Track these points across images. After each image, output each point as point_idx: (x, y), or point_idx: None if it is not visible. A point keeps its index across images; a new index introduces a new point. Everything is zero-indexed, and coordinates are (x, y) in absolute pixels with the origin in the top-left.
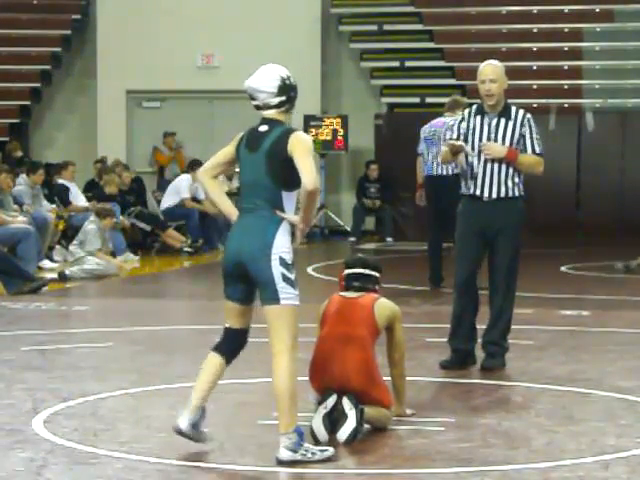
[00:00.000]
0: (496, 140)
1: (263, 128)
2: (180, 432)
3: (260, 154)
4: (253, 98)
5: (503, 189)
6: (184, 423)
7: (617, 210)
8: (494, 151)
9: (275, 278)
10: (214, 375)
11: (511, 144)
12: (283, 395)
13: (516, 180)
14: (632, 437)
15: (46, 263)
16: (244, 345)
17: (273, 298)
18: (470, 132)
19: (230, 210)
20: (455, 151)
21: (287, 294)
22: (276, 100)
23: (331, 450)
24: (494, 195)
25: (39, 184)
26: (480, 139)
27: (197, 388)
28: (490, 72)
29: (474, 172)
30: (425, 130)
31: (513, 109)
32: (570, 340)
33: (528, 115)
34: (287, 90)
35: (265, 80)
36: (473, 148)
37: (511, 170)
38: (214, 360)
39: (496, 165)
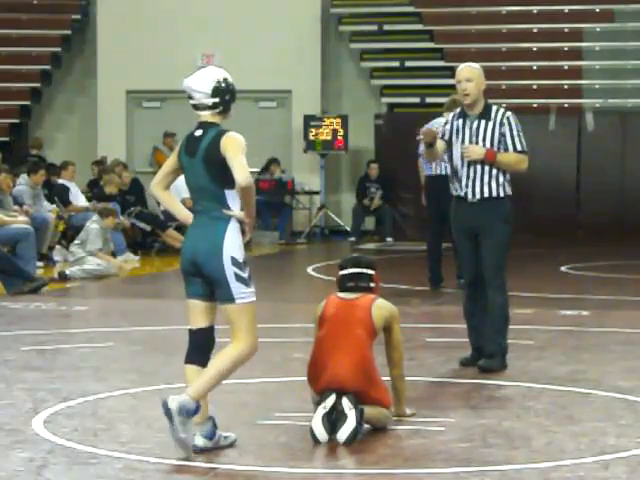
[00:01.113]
0: (477, 142)
1: (198, 133)
2: (200, 450)
3: (198, 158)
4: (190, 97)
5: (486, 190)
6: (199, 441)
7: (617, 210)
8: (473, 153)
9: (228, 278)
10: (195, 375)
11: (492, 145)
12: (210, 371)
13: (501, 180)
14: (632, 437)
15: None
16: (213, 344)
17: (228, 298)
18: (453, 135)
19: (185, 216)
20: (428, 141)
21: (241, 293)
22: (210, 101)
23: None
24: (478, 196)
25: (40, 184)
26: (463, 142)
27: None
28: (466, 72)
29: (459, 174)
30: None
31: (493, 109)
32: (570, 340)
33: (508, 114)
34: (222, 92)
35: (201, 81)
36: (457, 150)
37: (495, 171)
38: (192, 371)
39: (479, 166)
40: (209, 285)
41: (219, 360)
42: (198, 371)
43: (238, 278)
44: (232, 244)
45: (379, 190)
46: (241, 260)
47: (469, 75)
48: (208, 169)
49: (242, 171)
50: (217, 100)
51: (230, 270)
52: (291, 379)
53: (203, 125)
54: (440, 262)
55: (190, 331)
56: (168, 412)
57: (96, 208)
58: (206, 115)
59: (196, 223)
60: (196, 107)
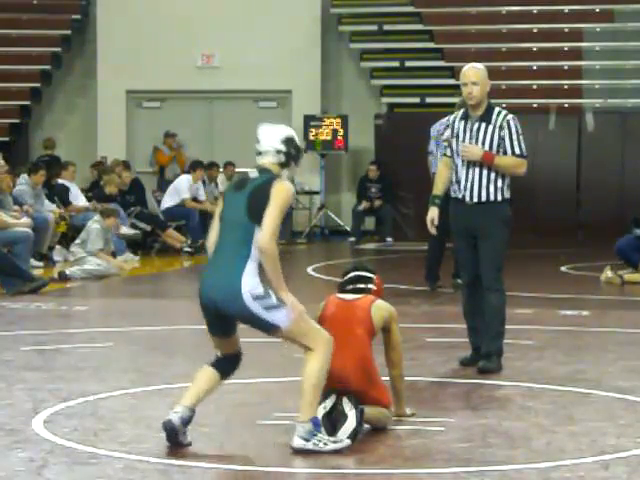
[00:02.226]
0: (476, 144)
1: (253, 174)
2: (170, 425)
3: (244, 193)
4: (258, 141)
5: (484, 193)
6: (175, 417)
7: (617, 210)
8: (471, 153)
9: (258, 313)
10: (207, 383)
11: (491, 148)
12: (307, 387)
13: (499, 185)
14: (632, 437)
15: (32, 262)
16: (238, 365)
17: (273, 328)
18: (454, 137)
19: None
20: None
21: (281, 317)
22: (273, 150)
23: (346, 442)
24: (475, 199)
25: (40, 184)
26: (463, 143)
27: (190, 391)
28: (472, 75)
29: (458, 175)
30: (434, 129)
31: (495, 112)
32: (570, 340)
33: (509, 117)
34: (287, 148)
35: (271, 135)
36: (457, 153)
37: (493, 174)
38: (208, 370)
39: (477, 169)
40: (231, 322)
41: (307, 375)
42: (213, 375)
43: (267, 308)
44: (250, 281)
45: (379, 193)
46: (262, 292)
47: (475, 78)
48: (249, 205)
49: (268, 232)
50: (282, 156)
51: (256, 306)
52: (291, 379)
53: (261, 169)
54: (440, 262)
55: (216, 355)
56: (301, 450)
57: (97, 208)
58: (266, 162)
59: (215, 261)
60: (259, 154)
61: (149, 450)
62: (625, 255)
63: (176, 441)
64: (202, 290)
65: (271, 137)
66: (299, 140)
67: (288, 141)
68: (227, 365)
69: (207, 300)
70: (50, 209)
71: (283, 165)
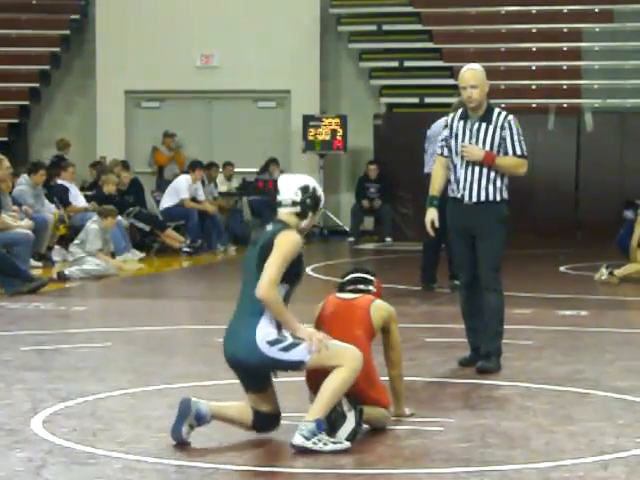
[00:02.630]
0: (477, 145)
1: (269, 227)
2: (186, 404)
3: (256, 248)
4: (278, 192)
5: (483, 193)
6: (197, 403)
7: (616, 210)
8: (472, 154)
9: (279, 357)
10: (238, 413)
11: (491, 148)
12: (325, 390)
13: (498, 184)
14: (631, 437)
15: (31, 262)
16: (275, 426)
17: (297, 365)
18: (453, 137)
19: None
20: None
21: (300, 353)
22: (289, 204)
23: (346, 444)
24: (474, 199)
25: (40, 184)
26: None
27: (221, 404)
28: (471, 78)
29: (457, 175)
30: (431, 129)
31: (495, 112)
32: (569, 340)
33: (509, 117)
34: (305, 197)
35: (290, 184)
36: (457, 153)
37: (492, 174)
38: (247, 408)
39: (477, 169)
40: (261, 376)
41: (331, 380)
42: (246, 413)
43: (286, 349)
44: (263, 332)
45: (378, 193)
46: (276, 336)
47: (474, 81)
48: (259, 259)
49: (264, 280)
50: (298, 200)
51: (274, 352)
52: (290, 379)
53: (276, 221)
54: (436, 263)
55: (256, 411)
56: (300, 448)
57: (95, 208)
58: (284, 213)
59: (234, 317)
60: (279, 204)
61: (148, 450)
62: (624, 244)
63: (178, 427)
64: (225, 348)
65: (288, 188)
66: (318, 188)
67: (304, 191)
68: (263, 423)
69: (230, 356)
70: (50, 210)
71: (300, 216)
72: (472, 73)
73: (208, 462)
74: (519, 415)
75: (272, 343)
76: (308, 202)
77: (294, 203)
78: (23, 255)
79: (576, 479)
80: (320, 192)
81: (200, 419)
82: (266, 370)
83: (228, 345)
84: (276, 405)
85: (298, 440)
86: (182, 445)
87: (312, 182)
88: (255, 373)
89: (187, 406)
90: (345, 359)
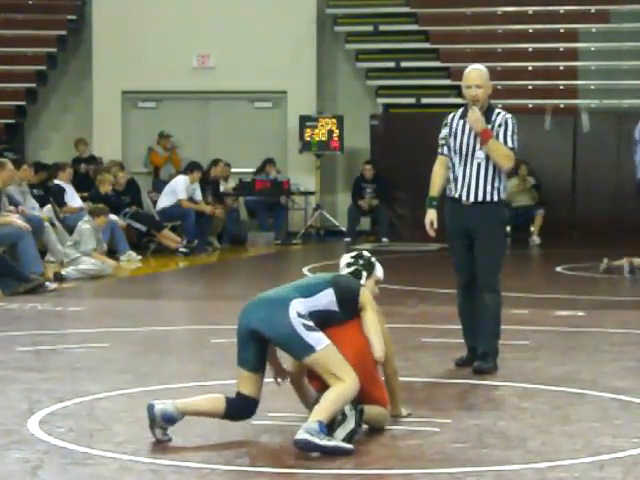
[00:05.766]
0: (474, 142)
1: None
2: (150, 410)
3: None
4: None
5: (481, 193)
6: (158, 406)
7: (612, 210)
8: (474, 121)
9: (298, 331)
10: (210, 405)
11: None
12: (328, 395)
13: (496, 184)
14: (627, 437)
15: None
16: (248, 414)
17: (308, 350)
18: (452, 136)
19: None
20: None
21: (318, 339)
22: (346, 267)
23: (348, 446)
24: (472, 199)
25: (25, 181)
26: (461, 143)
27: (191, 399)
28: (476, 77)
29: (455, 174)
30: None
31: (495, 112)
32: (565, 340)
33: (507, 116)
34: (358, 262)
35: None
36: (455, 152)
37: (490, 174)
38: (220, 398)
39: (475, 168)
40: (262, 352)
41: (333, 389)
42: (219, 405)
43: (308, 328)
44: (298, 306)
45: (374, 193)
46: (306, 314)
47: (479, 81)
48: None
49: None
50: (351, 267)
51: (298, 323)
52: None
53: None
54: None
55: (237, 392)
56: (304, 442)
57: (86, 208)
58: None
59: (261, 297)
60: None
61: (144, 451)
62: None
63: (152, 430)
64: (242, 316)
65: (345, 259)
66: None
67: (357, 263)
68: (238, 407)
69: (249, 322)
70: (35, 208)
71: (353, 273)
72: (478, 73)
73: (204, 462)
74: (516, 415)
75: (301, 316)
76: (361, 262)
77: (348, 264)
78: (28, 254)
79: (573, 479)
80: (374, 260)
81: (168, 420)
82: (279, 338)
83: (250, 311)
84: (258, 393)
85: (302, 435)
86: (165, 443)
87: (365, 254)
88: (265, 338)
89: (151, 412)
90: (347, 376)
